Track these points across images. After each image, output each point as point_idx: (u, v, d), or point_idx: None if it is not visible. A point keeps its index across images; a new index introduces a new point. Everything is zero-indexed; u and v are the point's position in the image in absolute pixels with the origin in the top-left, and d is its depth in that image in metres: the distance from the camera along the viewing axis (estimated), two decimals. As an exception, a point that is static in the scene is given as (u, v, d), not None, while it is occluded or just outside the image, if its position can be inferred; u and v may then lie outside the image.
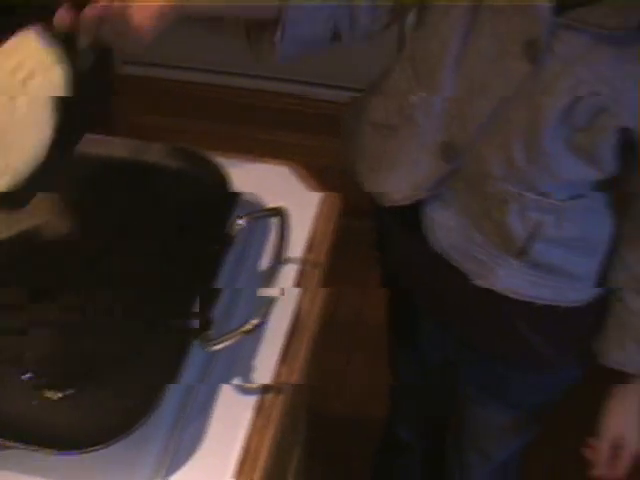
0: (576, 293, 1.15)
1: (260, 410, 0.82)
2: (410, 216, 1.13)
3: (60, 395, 0.72)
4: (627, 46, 0.96)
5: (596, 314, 1.17)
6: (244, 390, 0.84)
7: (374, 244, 1.30)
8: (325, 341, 1.12)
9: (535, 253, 1.09)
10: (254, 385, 0.84)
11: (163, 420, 0.77)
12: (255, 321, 0.83)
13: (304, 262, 0.95)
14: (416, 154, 1.10)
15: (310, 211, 1.03)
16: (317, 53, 1.05)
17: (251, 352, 0.87)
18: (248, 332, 0.82)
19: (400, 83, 1.12)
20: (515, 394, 1.30)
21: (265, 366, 0.86)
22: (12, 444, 0.68)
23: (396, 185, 1.13)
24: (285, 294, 0.90)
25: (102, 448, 0.68)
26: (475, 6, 1.01)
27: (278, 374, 0.85)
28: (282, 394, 0.84)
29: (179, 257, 0.83)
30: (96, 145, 0.94)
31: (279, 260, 0.87)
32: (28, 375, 0.73)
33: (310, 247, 0.98)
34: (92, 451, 0.67)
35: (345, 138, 1.22)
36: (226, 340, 0.81)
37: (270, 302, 0.86)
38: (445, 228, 1.13)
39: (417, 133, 1.10)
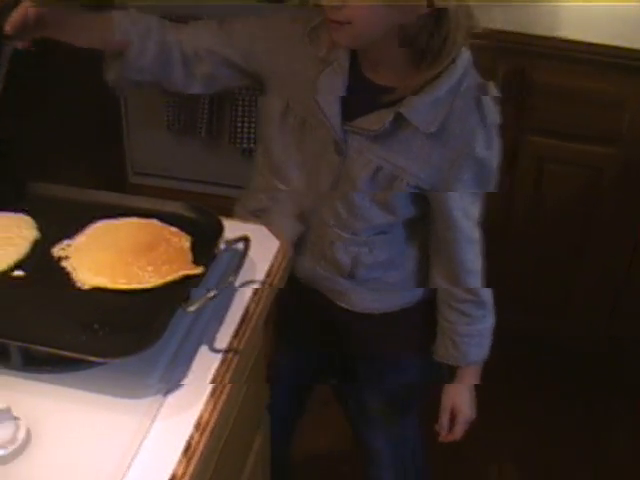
0: (401, 300, 1.53)
1: (224, 361, 1.21)
2: None
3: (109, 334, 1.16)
4: (388, 138, 1.32)
5: (421, 316, 1.54)
6: (214, 349, 1.20)
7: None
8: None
9: (360, 275, 1.47)
10: (220, 347, 1.22)
11: (164, 353, 1.18)
12: (212, 293, 1.17)
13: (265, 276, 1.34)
14: (282, 223, 1.46)
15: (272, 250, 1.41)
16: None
17: (216, 328, 1.25)
18: (210, 298, 1.17)
19: (260, 181, 1.50)
20: (375, 381, 1.65)
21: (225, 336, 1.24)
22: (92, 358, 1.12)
23: None
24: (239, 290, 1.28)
25: (131, 356, 1.11)
26: (301, 124, 1.39)
27: (231, 342, 1.22)
28: (237, 353, 1.22)
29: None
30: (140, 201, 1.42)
31: (241, 266, 1.25)
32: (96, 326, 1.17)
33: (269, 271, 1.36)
34: (129, 356, 1.10)
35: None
36: (197, 303, 1.16)
37: (225, 285, 1.20)
38: (304, 269, 1.50)
39: (282, 209, 1.47)
